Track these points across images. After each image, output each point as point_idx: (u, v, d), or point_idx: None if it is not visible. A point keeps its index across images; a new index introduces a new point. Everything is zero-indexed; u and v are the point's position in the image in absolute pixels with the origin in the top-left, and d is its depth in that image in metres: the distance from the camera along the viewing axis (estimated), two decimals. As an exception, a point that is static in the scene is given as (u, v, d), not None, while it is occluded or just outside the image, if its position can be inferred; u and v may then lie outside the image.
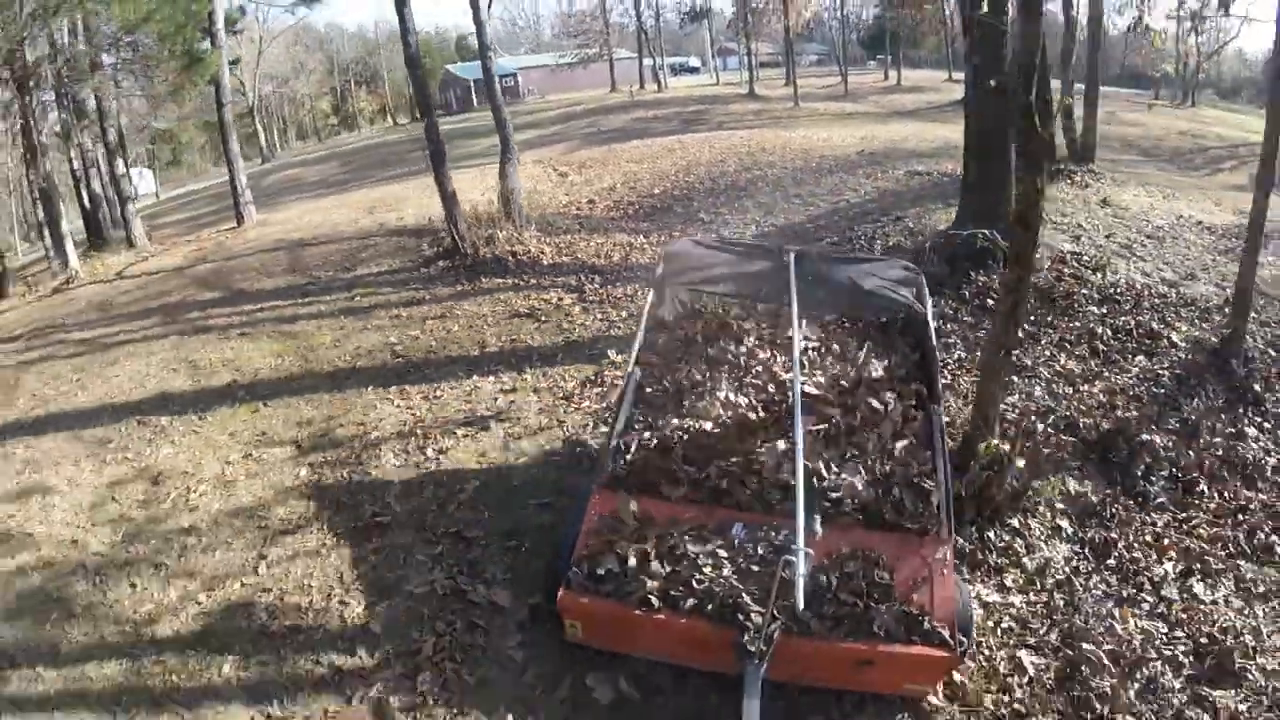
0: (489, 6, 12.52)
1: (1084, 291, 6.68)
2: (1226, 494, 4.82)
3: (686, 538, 3.74)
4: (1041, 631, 3.77)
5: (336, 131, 53.65)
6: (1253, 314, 6.27)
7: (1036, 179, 4.10)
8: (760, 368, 4.89)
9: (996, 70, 6.42)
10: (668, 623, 3.49)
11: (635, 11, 40.79)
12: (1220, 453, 5.10)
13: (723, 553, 3.68)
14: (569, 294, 8.05)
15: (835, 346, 5.10)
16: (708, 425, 4.34)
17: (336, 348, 7.12)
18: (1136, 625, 3.73)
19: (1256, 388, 5.74)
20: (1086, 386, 5.56)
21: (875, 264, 5.65)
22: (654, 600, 3.52)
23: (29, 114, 15.04)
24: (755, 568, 3.59)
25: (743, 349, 5.09)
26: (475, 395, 6.12)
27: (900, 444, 4.13)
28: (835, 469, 3.98)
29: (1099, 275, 6.99)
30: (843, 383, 4.61)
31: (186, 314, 9.13)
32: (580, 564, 3.69)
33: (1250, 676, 3.46)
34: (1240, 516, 4.64)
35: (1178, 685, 3.38)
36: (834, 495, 3.86)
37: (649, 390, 4.78)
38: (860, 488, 3.88)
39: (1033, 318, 6.29)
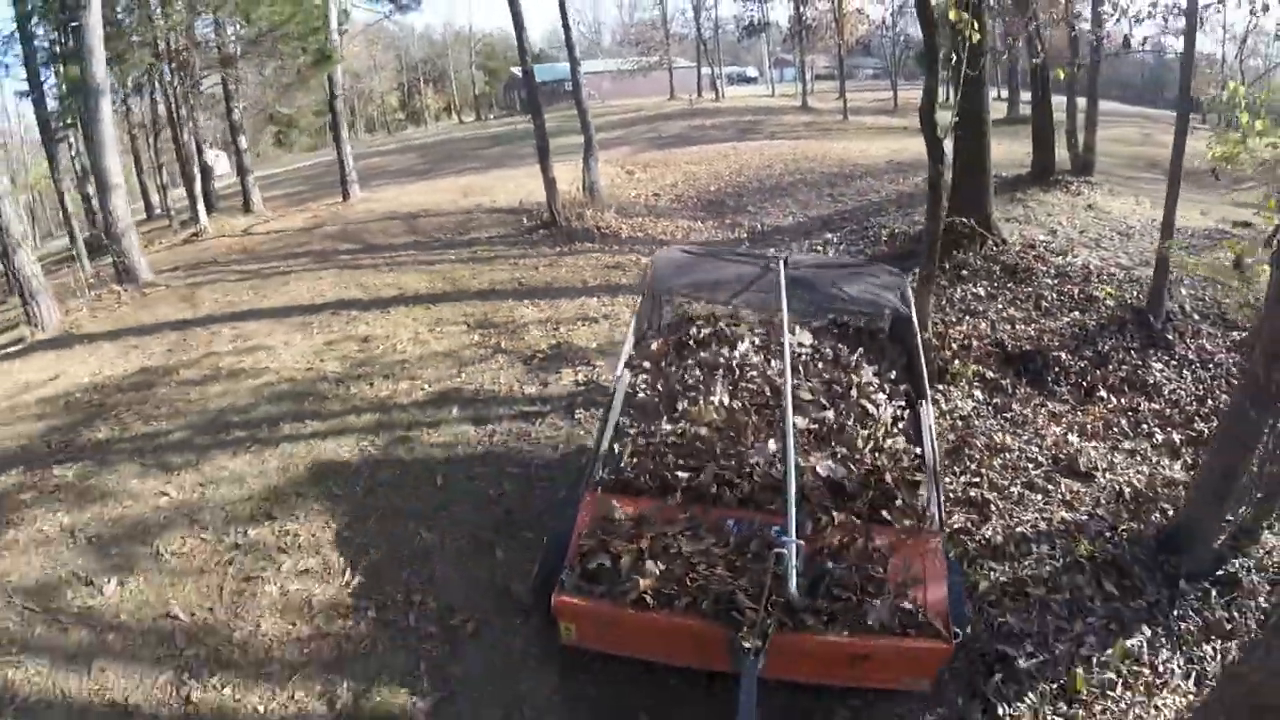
0: (564, 20, 14.92)
1: (1042, 268, 8.76)
2: (1123, 401, 6.64)
3: (680, 537, 3.88)
4: (946, 432, 5.94)
5: (403, 126, 57.07)
6: (1189, 290, 8.24)
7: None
8: (753, 372, 5.09)
9: (976, 97, 8.59)
10: (662, 622, 3.59)
11: (695, 23, 43.07)
12: (1123, 374, 7.04)
13: (716, 550, 3.82)
14: (644, 256, 10.43)
15: (826, 350, 5.38)
16: (700, 428, 4.53)
17: (474, 279, 9.60)
18: (1013, 440, 5.87)
19: (1169, 337, 7.43)
20: (1023, 327, 7.66)
21: (861, 269, 6.18)
22: (648, 600, 3.62)
23: (173, 92, 18.06)
24: (749, 564, 3.71)
25: (735, 354, 5.26)
26: (584, 307, 8.65)
27: (890, 441, 4.41)
28: (826, 466, 4.19)
29: (1060, 258, 9.07)
30: (834, 386, 4.92)
31: (334, 257, 11.74)
32: (573, 566, 3.80)
33: (1096, 479, 5.51)
34: (1131, 414, 6.49)
35: (1032, 469, 5.56)
36: (824, 490, 4.09)
37: (640, 394, 5.02)
38: (850, 483, 4.11)
39: (994, 284, 8.46)
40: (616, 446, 4.52)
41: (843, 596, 3.56)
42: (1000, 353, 7.17)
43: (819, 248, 10.73)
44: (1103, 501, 5.24)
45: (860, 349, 5.38)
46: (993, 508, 5.14)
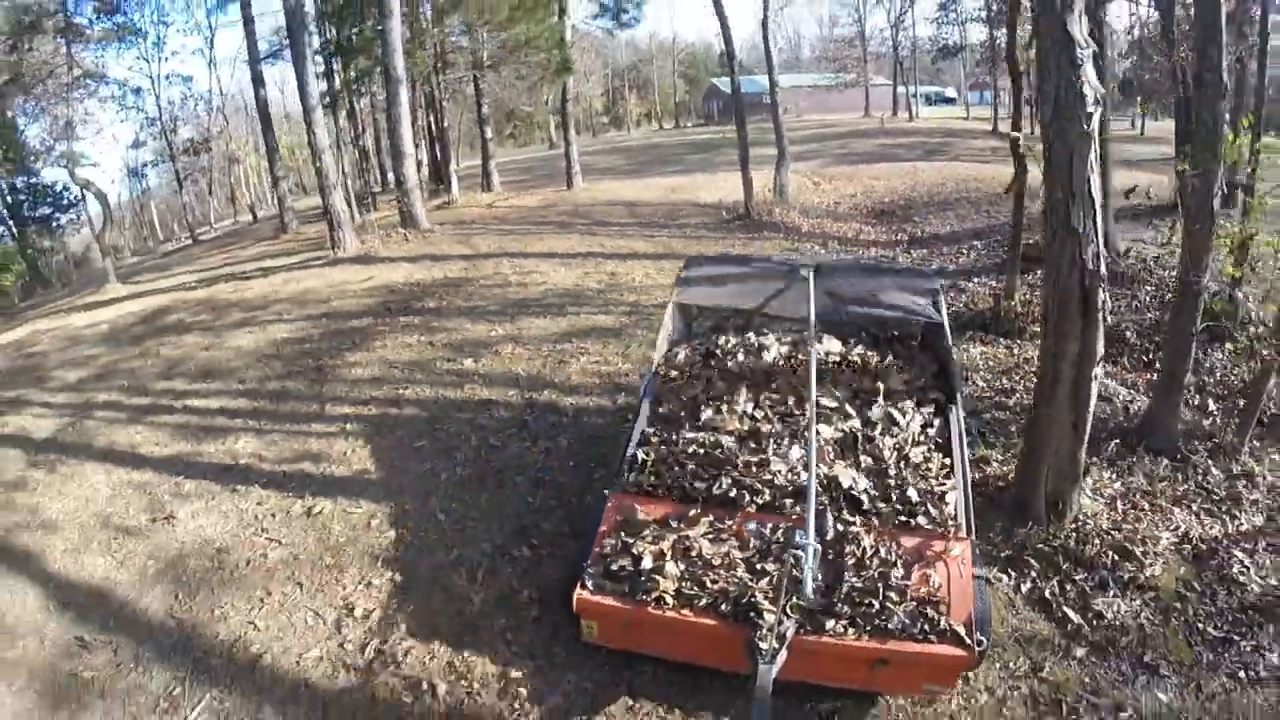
0: (766, 48, 18.22)
1: (1147, 276, 10.98)
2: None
3: (701, 540, 4.05)
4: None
5: (606, 129, 62.54)
6: None
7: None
8: (778, 380, 5.23)
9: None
10: (681, 622, 3.74)
11: (892, 42, 44.65)
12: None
13: (737, 553, 3.97)
14: (819, 246, 13.48)
15: (854, 358, 5.44)
16: (724, 436, 4.71)
17: (686, 248, 13.05)
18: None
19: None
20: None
21: (894, 275, 6.22)
22: (668, 599, 3.78)
23: (438, 86, 22.85)
24: (770, 567, 3.85)
25: (761, 362, 5.42)
26: None
27: (916, 450, 4.52)
28: (850, 476, 4.32)
29: (1167, 271, 11.22)
30: (861, 395, 5.04)
31: (572, 226, 15.70)
32: (596, 564, 4.01)
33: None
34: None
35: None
36: (848, 498, 4.22)
37: (667, 399, 5.23)
38: (873, 492, 4.24)
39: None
40: (642, 452, 4.75)
41: (863, 601, 3.67)
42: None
43: (964, 252, 13.19)
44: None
45: (890, 356, 5.49)
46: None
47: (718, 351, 5.61)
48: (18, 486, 6.96)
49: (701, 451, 4.64)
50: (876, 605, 3.66)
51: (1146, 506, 5.51)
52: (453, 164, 23.00)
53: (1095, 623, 4.53)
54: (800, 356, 5.35)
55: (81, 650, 4.79)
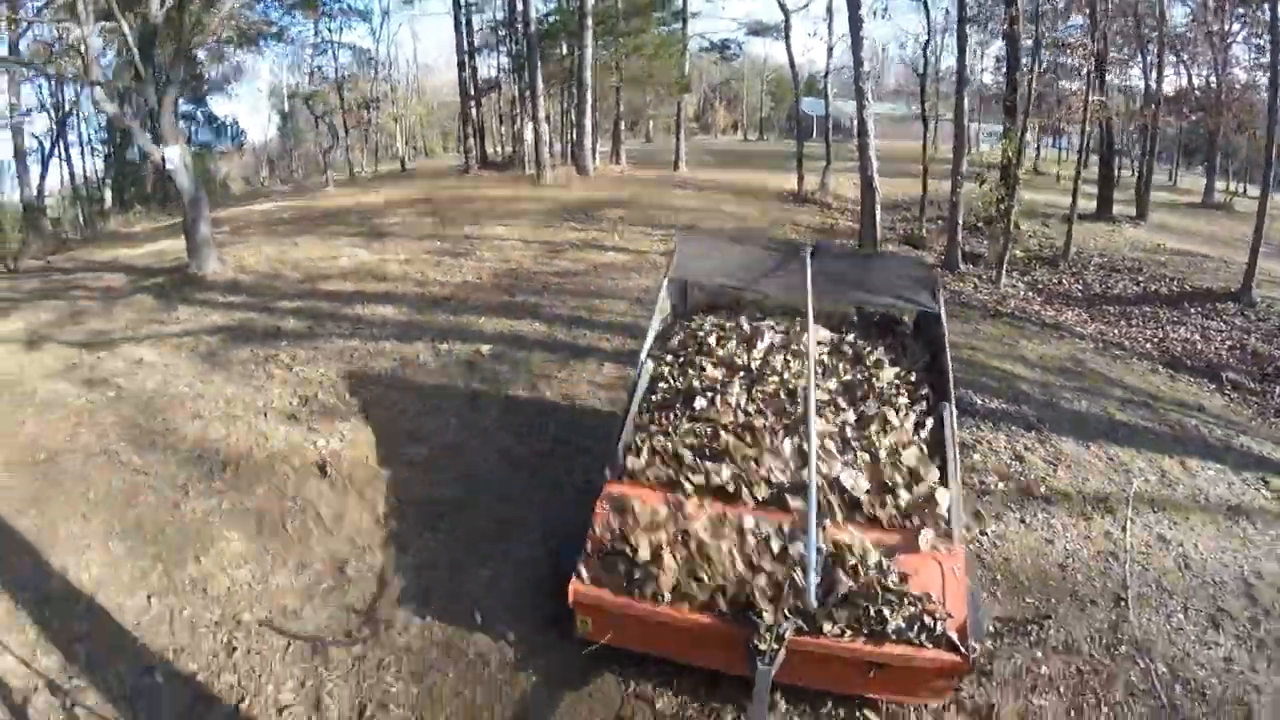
0: (826, 90, 26.92)
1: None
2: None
3: (699, 532, 4.10)
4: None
5: (696, 134, 70.36)
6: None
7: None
8: (772, 372, 5.16)
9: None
10: (678, 619, 3.84)
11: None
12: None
13: (735, 548, 4.02)
14: (845, 220, 22.09)
15: (846, 348, 5.42)
16: (717, 427, 4.67)
17: (756, 205, 21.61)
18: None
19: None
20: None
21: (891, 261, 6.23)
22: (664, 595, 3.85)
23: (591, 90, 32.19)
24: (768, 563, 3.90)
25: (754, 352, 5.35)
26: (797, 214, 20.62)
27: (911, 450, 4.49)
28: (846, 472, 4.32)
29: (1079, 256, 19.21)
30: (854, 388, 5.00)
31: (687, 189, 24.48)
32: (590, 559, 4.08)
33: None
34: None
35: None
36: (845, 497, 4.23)
37: (660, 386, 5.18)
38: (869, 490, 4.26)
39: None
40: (636, 440, 4.72)
41: (861, 605, 3.73)
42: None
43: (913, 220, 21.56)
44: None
45: (882, 346, 5.46)
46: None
47: (710, 340, 5.59)
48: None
49: (696, 442, 4.64)
50: (874, 610, 3.73)
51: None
52: (594, 145, 32.44)
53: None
54: (795, 347, 5.36)
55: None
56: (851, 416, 4.76)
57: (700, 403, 4.91)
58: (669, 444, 4.63)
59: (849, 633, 3.72)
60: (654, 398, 5.11)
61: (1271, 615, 5.28)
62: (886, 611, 3.72)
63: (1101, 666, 4.74)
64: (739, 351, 5.40)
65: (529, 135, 25.47)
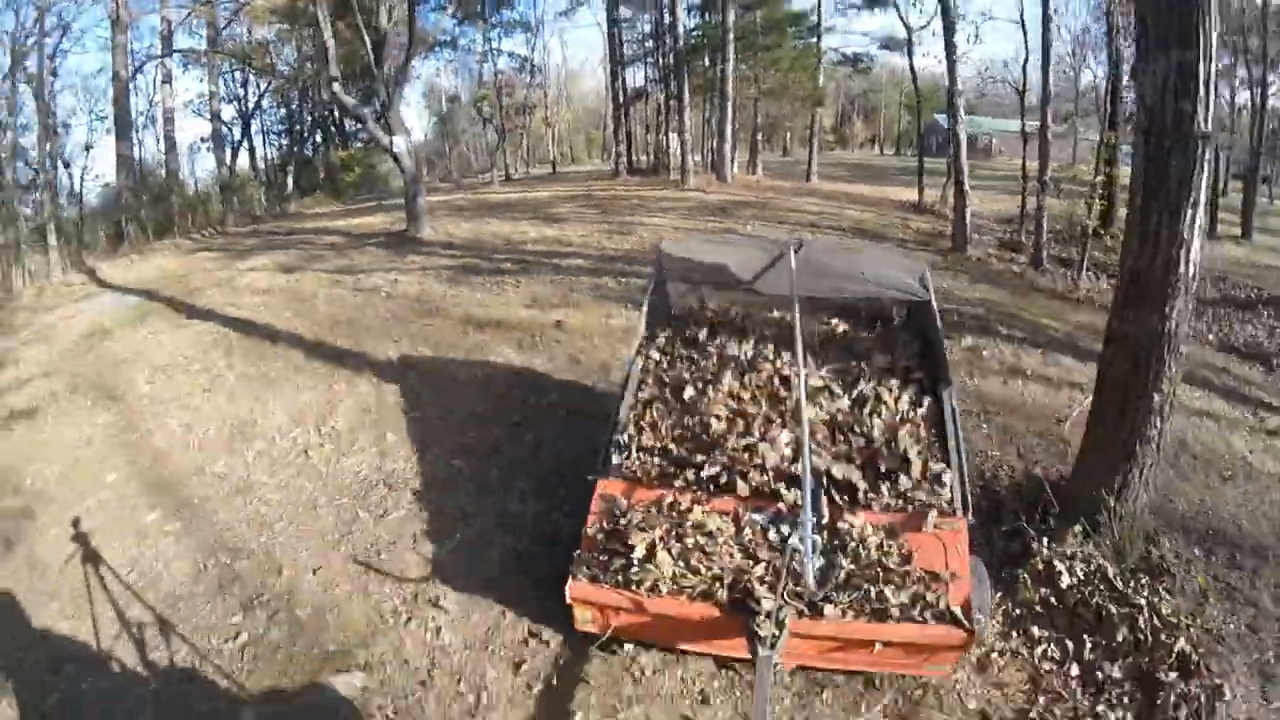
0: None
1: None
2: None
3: (694, 524, 4.22)
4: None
5: (832, 147, 72.45)
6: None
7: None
8: (764, 361, 5.34)
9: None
10: (678, 609, 3.92)
11: (1097, 103, 51.77)
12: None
13: (732, 539, 4.14)
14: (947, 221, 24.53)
15: (838, 338, 5.62)
16: (710, 419, 4.80)
17: (876, 212, 24.33)
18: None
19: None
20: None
21: (879, 253, 6.42)
22: (663, 587, 3.93)
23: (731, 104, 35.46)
24: (765, 552, 4.01)
25: (745, 344, 5.51)
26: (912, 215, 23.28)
27: (905, 429, 4.66)
28: (842, 467, 4.43)
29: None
30: (846, 375, 5.15)
31: (813, 196, 27.51)
32: (588, 553, 4.16)
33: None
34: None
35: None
36: (842, 481, 4.34)
37: (651, 382, 5.31)
38: (865, 473, 4.39)
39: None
40: (628, 435, 4.86)
41: (862, 585, 3.86)
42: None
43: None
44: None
45: (874, 335, 5.63)
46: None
47: (700, 334, 5.69)
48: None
49: (689, 434, 4.78)
50: (875, 589, 3.85)
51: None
52: (733, 154, 35.64)
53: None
54: (784, 336, 5.44)
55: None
56: (845, 403, 4.98)
57: (689, 393, 5.13)
58: (659, 439, 4.80)
59: (850, 614, 3.82)
60: (645, 394, 5.31)
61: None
62: (888, 591, 3.84)
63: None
64: (729, 343, 5.62)
65: (674, 143, 29.27)
